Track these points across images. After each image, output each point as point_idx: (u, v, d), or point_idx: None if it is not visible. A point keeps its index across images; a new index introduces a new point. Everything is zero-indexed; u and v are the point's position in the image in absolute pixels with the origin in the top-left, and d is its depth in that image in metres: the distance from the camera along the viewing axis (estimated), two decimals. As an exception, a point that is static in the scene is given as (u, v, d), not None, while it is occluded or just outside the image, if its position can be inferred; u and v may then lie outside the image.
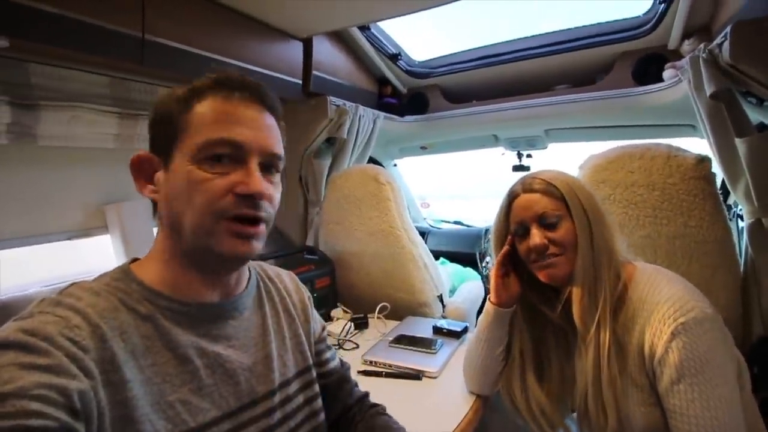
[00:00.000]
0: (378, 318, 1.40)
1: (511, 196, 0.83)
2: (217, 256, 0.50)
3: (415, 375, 1.05)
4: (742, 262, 1.07)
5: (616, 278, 0.74)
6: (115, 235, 1.35)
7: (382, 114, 1.81)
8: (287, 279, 0.72)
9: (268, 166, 0.53)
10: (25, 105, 1.03)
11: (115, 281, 0.50)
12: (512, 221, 0.82)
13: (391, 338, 1.22)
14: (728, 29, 0.96)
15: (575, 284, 0.75)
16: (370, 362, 1.13)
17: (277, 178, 0.56)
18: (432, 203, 2.78)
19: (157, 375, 0.47)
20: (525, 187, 0.81)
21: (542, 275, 0.79)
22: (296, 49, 1.51)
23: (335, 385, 0.72)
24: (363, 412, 0.73)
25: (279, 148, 0.55)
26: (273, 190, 0.54)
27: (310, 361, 0.66)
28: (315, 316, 0.74)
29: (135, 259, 0.55)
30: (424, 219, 2.71)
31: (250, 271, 0.64)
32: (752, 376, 0.89)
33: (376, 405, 0.76)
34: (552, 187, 0.79)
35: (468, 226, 2.54)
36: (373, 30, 1.73)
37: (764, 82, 0.94)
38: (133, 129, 1.27)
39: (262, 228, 0.52)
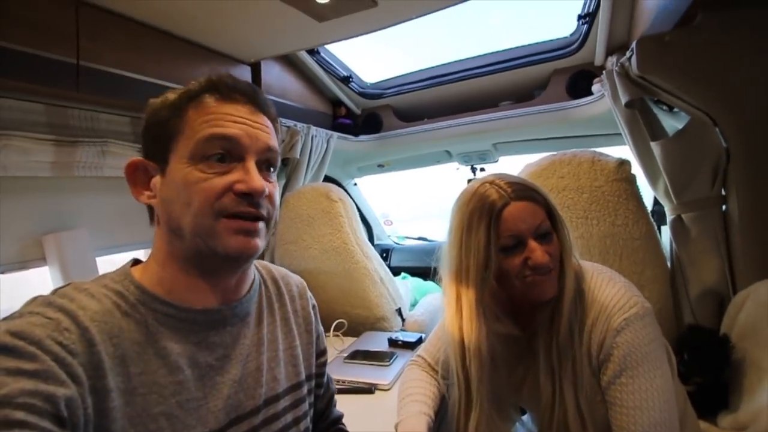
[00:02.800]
0: (335, 336, 1.38)
1: (497, 207, 0.70)
2: (222, 256, 0.49)
3: (368, 389, 1.04)
4: (669, 256, 1.15)
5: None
6: (54, 266, 1.29)
7: (335, 134, 1.85)
8: (294, 284, 0.69)
9: (265, 163, 0.53)
10: (-49, 134, 0.99)
11: (113, 283, 0.49)
12: (502, 234, 0.69)
13: (345, 355, 1.21)
14: (634, 44, 1.06)
15: (564, 300, 0.70)
16: (324, 380, 1.11)
17: (274, 176, 0.56)
18: (395, 223, 2.81)
19: (144, 385, 0.45)
20: (511, 194, 0.70)
21: (538, 292, 0.71)
22: (244, 73, 1.53)
23: (326, 404, 0.73)
24: None
25: (275, 143, 0.54)
26: (272, 188, 0.54)
27: (302, 377, 0.62)
28: (319, 330, 0.70)
29: (137, 261, 0.54)
30: (389, 236, 2.73)
31: (254, 273, 0.62)
32: (683, 363, 0.94)
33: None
34: (536, 194, 0.72)
35: (431, 240, 2.59)
36: (322, 54, 1.79)
37: (669, 90, 1.04)
38: (71, 156, 1.24)
39: (263, 225, 0.52)
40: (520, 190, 0.71)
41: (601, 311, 0.69)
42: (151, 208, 0.54)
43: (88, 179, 1.31)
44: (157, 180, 0.51)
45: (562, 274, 0.72)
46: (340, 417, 0.77)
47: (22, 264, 1.27)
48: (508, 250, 0.70)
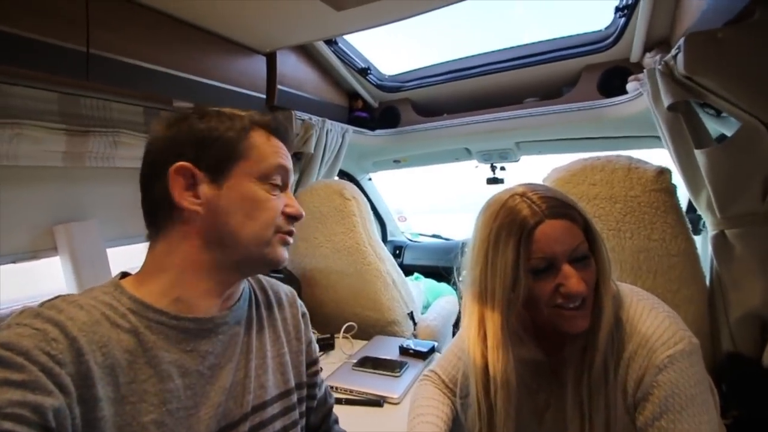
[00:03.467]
0: (344, 338, 1.34)
1: (529, 224, 0.62)
2: (268, 262, 0.57)
3: (376, 401, 0.99)
4: (708, 275, 1.05)
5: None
6: (65, 256, 1.28)
7: (351, 128, 1.79)
8: (283, 293, 0.71)
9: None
10: (-39, 123, 0.98)
11: (102, 294, 0.50)
12: (533, 256, 0.62)
13: (355, 361, 1.17)
14: (681, 41, 0.96)
15: (599, 335, 0.63)
16: (332, 387, 1.06)
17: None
18: (409, 218, 2.75)
19: (134, 393, 0.46)
20: (545, 211, 0.62)
21: (568, 325, 0.63)
22: (259, 64, 1.48)
23: (322, 416, 0.73)
24: None
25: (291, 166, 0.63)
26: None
27: (292, 384, 0.63)
28: (310, 337, 0.72)
29: (125, 274, 0.56)
30: (402, 233, 2.68)
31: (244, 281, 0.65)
32: (720, 394, 0.86)
33: None
34: (574, 212, 0.64)
35: (446, 239, 2.52)
36: (340, 44, 1.72)
37: (719, 93, 0.94)
38: (83, 146, 1.22)
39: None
40: (556, 206, 0.63)
41: (641, 344, 0.62)
42: (168, 213, 0.54)
43: (99, 170, 1.29)
44: (206, 188, 0.54)
45: (598, 303, 0.64)
46: None
47: (34, 254, 1.26)
48: (538, 273, 0.63)
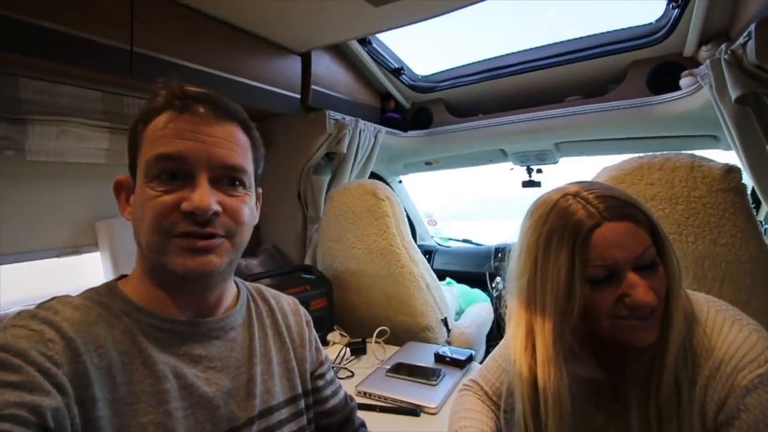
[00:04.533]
0: (376, 343, 1.30)
1: (585, 227, 0.55)
2: (172, 273, 0.48)
3: (413, 410, 0.94)
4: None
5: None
6: (105, 252, 1.31)
7: (383, 129, 1.76)
8: (285, 302, 0.69)
9: (227, 179, 0.51)
10: (13, 119, 1.01)
11: (98, 295, 0.50)
12: (591, 263, 0.55)
13: (388, 366, 1.12)
14: (752, 28, 0.88)
15: (669, 348, 0.56)
16: (365, 394, 1.03)
17: (243, 190, 0.53)
18: (438, 223, 2.69)
19: (132, 394, 0.45)
20: (604, 212, 0.55)
21: (633, 338, 0.56)
22: (294, 64, 1.48)
23: (341, 422, 0.69)
24: None
25: (236, 159, 0.52)
26: (234, 203, 0.51)
27: (299, 390, 0.62)
28: (315, 344, 0.69)
29: (123, 276, 0.55)
30: (432, 237, 2.62)
31: (239, 288, 0.62)
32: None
33: None
34: (638, 212, 0.56)
35: (477, 244, 2.44)
36: (374, 44, 1.70)
37: (797, 83, 0.85)
38: (125, 144, 1.24)
39: (219, 242, 0.50)
40: (617, 206, 0.55)
41: (723, 361, 0.54)
42: None
43: (139, 167, 1.31)
44: (132, 197, 0.52)
45: (668, 314, 0.56)
46: None
47: (75, 248, 1.30)
48: (597, 283, 0.56)
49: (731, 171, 0.90)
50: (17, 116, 1.02)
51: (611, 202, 0.56)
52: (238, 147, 0.52)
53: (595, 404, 0.66)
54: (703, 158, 0.94)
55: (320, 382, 0.67)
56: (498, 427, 0.75)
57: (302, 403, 0.61)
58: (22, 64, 0.96)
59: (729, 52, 0.95)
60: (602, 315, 0.57)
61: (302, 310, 0.71)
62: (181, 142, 0.48)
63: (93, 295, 0.50)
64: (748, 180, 0.95)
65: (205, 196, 0.47)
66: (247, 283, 0.67)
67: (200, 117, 0.50)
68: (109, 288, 0.51)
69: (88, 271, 1.35)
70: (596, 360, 0.64)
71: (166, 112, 0.50)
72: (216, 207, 0.48)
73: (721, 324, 0.57)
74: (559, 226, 0.57)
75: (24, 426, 0.35)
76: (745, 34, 0.91)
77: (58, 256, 1.27)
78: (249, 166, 0.54)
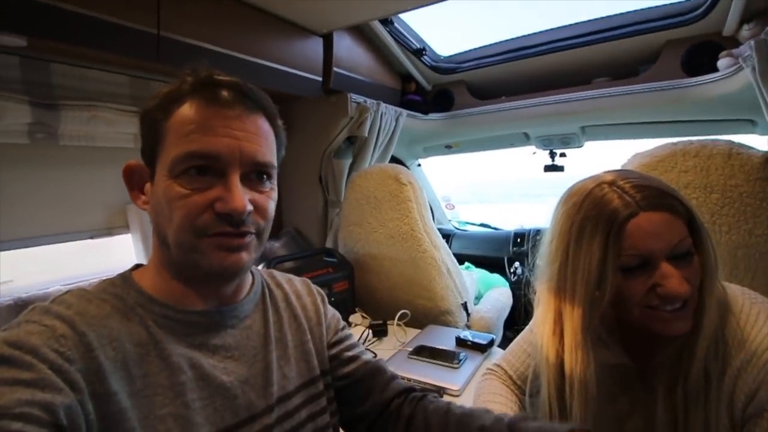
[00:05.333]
0: (398, 325, 1.32)
1: (620, 217, 0.55)
2: (206, 271, 0.48)
3: (436, 391, 0.96)
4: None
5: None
6: (136, 235, 1.35)
7: (405, 111, 1.74)
8: (299, 283, 0.68)
9: (255, 174, 0.50)
10: (46, 105, 1.03)
11: (112, 287, 0.49)
12: (625, 252, 0.55)
13: (410, 349, 1.15)
14: (805, 6, 0.83)
15: (699, 341, 0.56)
16: (388, 374, 1.06)
17: (269, 185, 0.52)
18: (457, 207, 2.67)
19: (149, 387, 0.44)
20: (640, 201, 0.55)
21: (664, 328, 0.56)
22: (316, 45, 1.46)
23: (368, 378, 0.64)
24: (413, 403, 0.62)
25: (266, 155, 0.50)
26: (263, 200, 0.50)
27: (317, 372, 0.61)
28: (329, 313, 0.68)
29: (139, 265, 0.54)
30: (449, 221, 2.61)
31: (253, 276, 0.61)
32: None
33: (426, 394, 0.65)
34: (676, 202, 0.56)
35: (495, 228, 2.43)
36: (396, 24, 1.66)
37: None
38: (152, 129, 1.26)
39: (250, 239, 0.49)
40: (654, 196, 0.55)
41: (756, 353, 0.54)
42: None
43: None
44: (148, 186, 0.50)
45: (702, 306, 0.56)
46: (412, 387, 0.66)
47: (109, 230, 1.34)
48: (630, 271, 0.56)
49: (772, 159, 0.87)
50: (49, 101, 1.04)
51: (648, 192, 0.56)
52: (267, 141, 0.51)
53: (621, 391, 0.67)
54: (742, 145, 0.91)
55: (338, 348, 0.65)
56: (522, 411, 0.77)
57: (321, 384, 0.60)
58: (52, 49, 0.98)
59: (776, 32, 0.90)
60: (634, 304, 0.57)
61: (314, 287, 0.70)
62: (215, 138, 0.46)
63: (108, 287, 0.49)
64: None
65: (240, 198, 0.46)
66: (261, 269, 0.66)
67: (231, 109, 0.47)
68: (123, 279, 0.50)
69: (122, 251, 1.40)
70: (624, 347, 0.65)
71: (192, 101, 0.47)
72: (249, 207, 0.47)
73: (756, 316, 0.56)
74: (594, 214, 0.57)
75: (37, 424, 0.34)
76: (796, 12, 0.86)
77: (91, 237, 1.31)
78: (275, 159, 0.53)
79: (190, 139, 0.45)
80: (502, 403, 0.77)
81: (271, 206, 0.52)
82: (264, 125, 0.51)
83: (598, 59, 1.62)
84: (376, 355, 1.20)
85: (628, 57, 1.57)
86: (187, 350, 0.49)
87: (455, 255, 1.84)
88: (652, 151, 1.00)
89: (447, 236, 2.39)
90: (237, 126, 0.47)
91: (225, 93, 0.47)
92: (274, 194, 0.53)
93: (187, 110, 0.46)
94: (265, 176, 0.51)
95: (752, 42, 0.99)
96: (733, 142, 0.92)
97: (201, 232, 0.46)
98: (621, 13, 1.57)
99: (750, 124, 1.42)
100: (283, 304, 0.62)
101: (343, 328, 0.68)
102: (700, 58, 1.40)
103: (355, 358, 0.65)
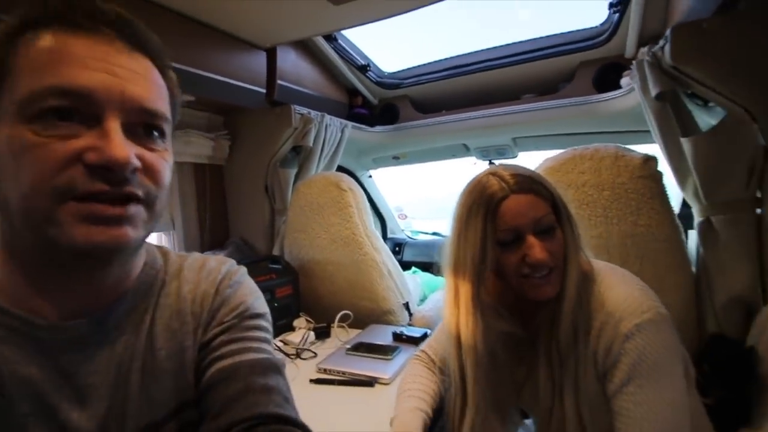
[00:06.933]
0: (340, 327, 1.36)
1: (495, 199, 0.66)
2: (66, 251, 0.35)
3: (368, 382, 1.01)
4: (694, 261, 1.07)
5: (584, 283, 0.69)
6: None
7: (350, 123, 1.82)
8: (203, 268, 0.51)
9: (144, 127, 0.39)
10: None
11: None
12: (499, 228, 0.66)
13: (349, 346, 1.19)
14: (668, 32, 0.99)
15: (564, 301, 0.66)
16: (324, 370, 1.09)
17: (163, 144, 0.41)
18: (414, 221, 2.77)
19: None
20: (512, 186, 0.66)
21: (535, 293, 0.67)
22: (259, 59, 1.52)
23: (211, 391, 0.45)
24: None
25: (157, 102, 0.39)
26: (155, 159, 0.39)
27: (190, 395, 0.46)
28: (230, 302, 0.50)
29: None
30: (402, 230, 2.70)
31: (146, 263, 0.47)
32: (703, 374, 0.88)
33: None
34: (540, 187, 0.68)
35: (444, 236, 2.53)
36: (340, 41, 1.76)
37: (704, 82, 0.96)
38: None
39: (136, 209, 0.37)
40: (523, 182, 0.67)
41: (610, 314, 0.64)
42: None
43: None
44: None
45: (566, 273, 0.67)
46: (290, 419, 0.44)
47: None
48: (505, 245, 0.67)
49: (648, 160, 1.01)
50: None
51: (520, 179, 0.67)
52: (158, 88, 0.40)
53: (519, 357, 0.76)
54: (626, 149, 1.05)
55: (211, 346, 0.47)
56: (441, 389, 0.84)
57: (193, 414, 0.46)
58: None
59: (651, 54, 1.06)
60: (511, 274, 0.68)
61: (226, 267, 0.52)
62: (86, 71, 0.35)
63: None
64: (665, 168, 1.06)
65: (121, 145, 0.35)
66: (171, 252, 0.52)
67: (109, 41, 0.36)
68: None
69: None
70: (515, 317, 0.74)
71: (53, 28, 0.35)
72: (136, 161, 0.36)
73: (612, 283, 0.67)
74: (478, 198, 0.68)
75: None
76: (664, 37, 1.02)
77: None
78: (169, 113, 0.42)
79: (49, 71, 0.34)
80: (421, 383, 0.83)
81: (167, 169, 0.41)
82: (149, 70, 0.40)
83: (525, 77, 1.79)
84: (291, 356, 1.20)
85: (550, 75, 1.75)
86: (33, 375, 0.37)
87: (407, 262, 1.91)
88: (557, 156, 1.13)
89: (400, 245, 2.46)
90: (117, 61, 0.36)
91: (101, 20, 0.37)
92: (170, 158, 0.42)
93: (45, 38, 0.35)
94: (156, 132, 0.40)
95: (634, 63, 1.15)
96: (619, 147, 1.06)
97: (63, 193, 0.34)
98: (543, 37, 1.75)
99: (649, 134, 1.61)
100: (173, 298, 0.47)
101: (239, 319, 0.49)
102: (608, 76, 1.59)
103: (213, 361, 0.46)
